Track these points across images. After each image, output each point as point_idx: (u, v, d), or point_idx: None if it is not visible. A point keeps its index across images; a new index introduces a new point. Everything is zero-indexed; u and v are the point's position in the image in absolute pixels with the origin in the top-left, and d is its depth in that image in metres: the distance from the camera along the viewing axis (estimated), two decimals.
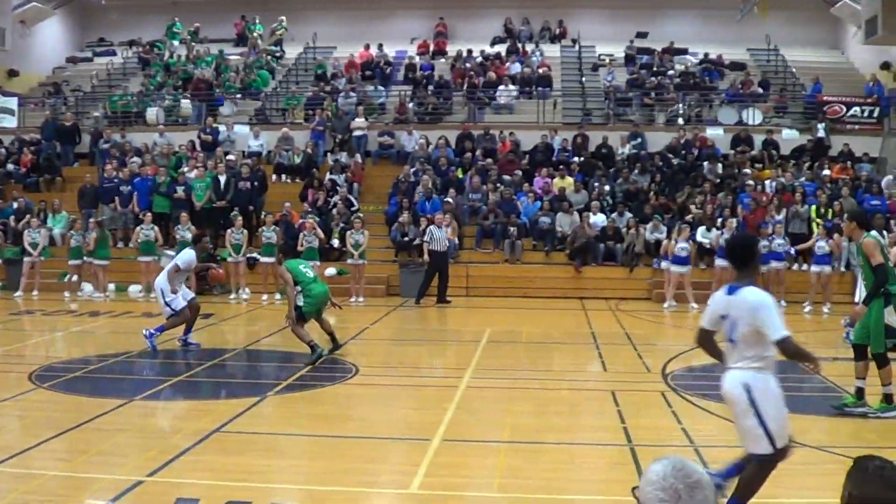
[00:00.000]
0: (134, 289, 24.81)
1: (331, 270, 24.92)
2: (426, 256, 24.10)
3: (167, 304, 16.08)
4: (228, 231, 25.25)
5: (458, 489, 8.58)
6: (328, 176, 29.46)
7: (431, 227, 24.51)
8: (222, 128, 32.15)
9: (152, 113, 33.52)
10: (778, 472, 7.82)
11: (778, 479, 8.84)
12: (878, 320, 11.43)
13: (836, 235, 24.30)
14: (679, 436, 10.48)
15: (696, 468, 3.06)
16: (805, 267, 24.62)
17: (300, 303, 15.01)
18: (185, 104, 34.30)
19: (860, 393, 11.65)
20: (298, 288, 14.98)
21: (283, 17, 39.76)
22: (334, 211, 27.15)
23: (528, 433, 10.70)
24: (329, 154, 31.38)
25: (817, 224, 25.46)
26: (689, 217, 26.46)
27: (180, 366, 15.15)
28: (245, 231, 25.17)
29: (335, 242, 26.02)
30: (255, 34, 39.26)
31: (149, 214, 25.92)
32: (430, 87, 35.13)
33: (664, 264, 24.58)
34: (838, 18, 37.68)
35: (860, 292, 14.72)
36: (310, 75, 37.58)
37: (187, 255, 16.59)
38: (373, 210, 28.52)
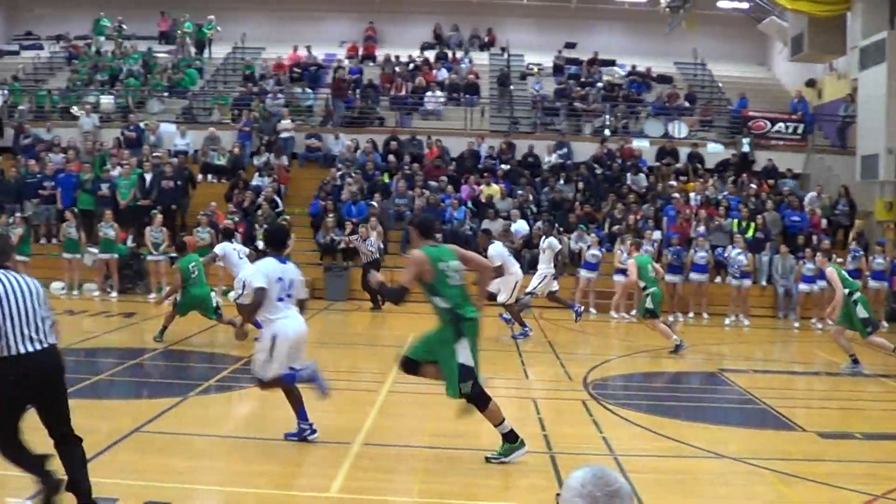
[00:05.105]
0: (56, 286, 24.17)
1: None
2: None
3: None
4: (147, 229, 24.90)
5: (377, 493, 8.64)
6: (254, 177, 29.35)
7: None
8: (142, 125, 31.66)
9: (77, 110, 32.94)
10: (696, 481, 8.02)
11: (696, 489, 9.10)
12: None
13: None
14: (599, 444, 10.60)
15: (618, 478, 3.04)
16: (729, 279, 24.82)
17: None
18: (106, 100, 33.86)
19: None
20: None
21: (213, 17, 39.40)
22: (259, 212, 26.86)
23: (447, 439, 10.69)
24: (255, 155, 31.18)
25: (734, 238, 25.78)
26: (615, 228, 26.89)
27: (101, 364, 14.89)
28: (164, 229, 24.88)
29: (259, 244, 25.83)
30: (180, 32, 38.84)
31: (74, 212, 25.50)
32: (358, 91, 35.11)
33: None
34: (765, 35, 38.29)
35: None
36: (238, 75, 37.35)
37: None
38: (298, 213, 28.40)
